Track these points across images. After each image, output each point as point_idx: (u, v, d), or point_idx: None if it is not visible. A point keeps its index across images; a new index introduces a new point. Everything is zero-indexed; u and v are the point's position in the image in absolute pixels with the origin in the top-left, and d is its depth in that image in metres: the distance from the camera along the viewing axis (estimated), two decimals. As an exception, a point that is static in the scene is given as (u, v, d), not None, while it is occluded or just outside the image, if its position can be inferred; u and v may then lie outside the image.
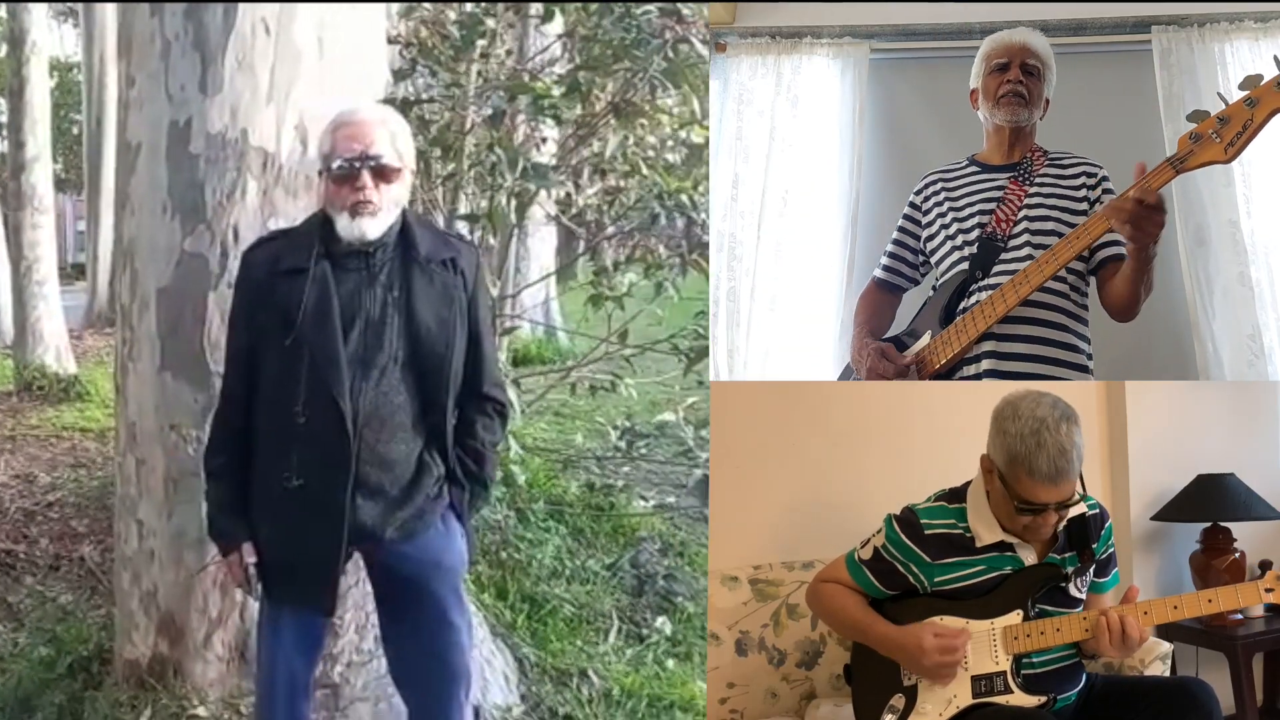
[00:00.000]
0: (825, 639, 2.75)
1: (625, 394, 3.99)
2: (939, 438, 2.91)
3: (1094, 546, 2.26)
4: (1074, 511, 2.24)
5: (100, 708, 2.58)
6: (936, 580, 2.26)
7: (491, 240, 3.68)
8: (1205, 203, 3.58)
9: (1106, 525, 2.33)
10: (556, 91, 3.18)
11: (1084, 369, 2.56)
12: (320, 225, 2.04)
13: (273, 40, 2.44)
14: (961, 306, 2.59)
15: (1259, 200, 3.53)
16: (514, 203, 3.25)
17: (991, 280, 2.57)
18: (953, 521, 2.26)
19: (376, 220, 1.99)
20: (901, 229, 2.89)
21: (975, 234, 2.64)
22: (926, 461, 2.77)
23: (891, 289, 2.92)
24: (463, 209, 3.71)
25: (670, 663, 3.10)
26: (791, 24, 3.85)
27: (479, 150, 3.47)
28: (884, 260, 2.93)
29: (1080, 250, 2.42)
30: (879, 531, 2.32)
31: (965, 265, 2.63)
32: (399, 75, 3.05)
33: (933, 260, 2.80)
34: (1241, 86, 2.20)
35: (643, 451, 4.04)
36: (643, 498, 4.31)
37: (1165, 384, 3.43)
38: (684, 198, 3.34)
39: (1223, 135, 2.16)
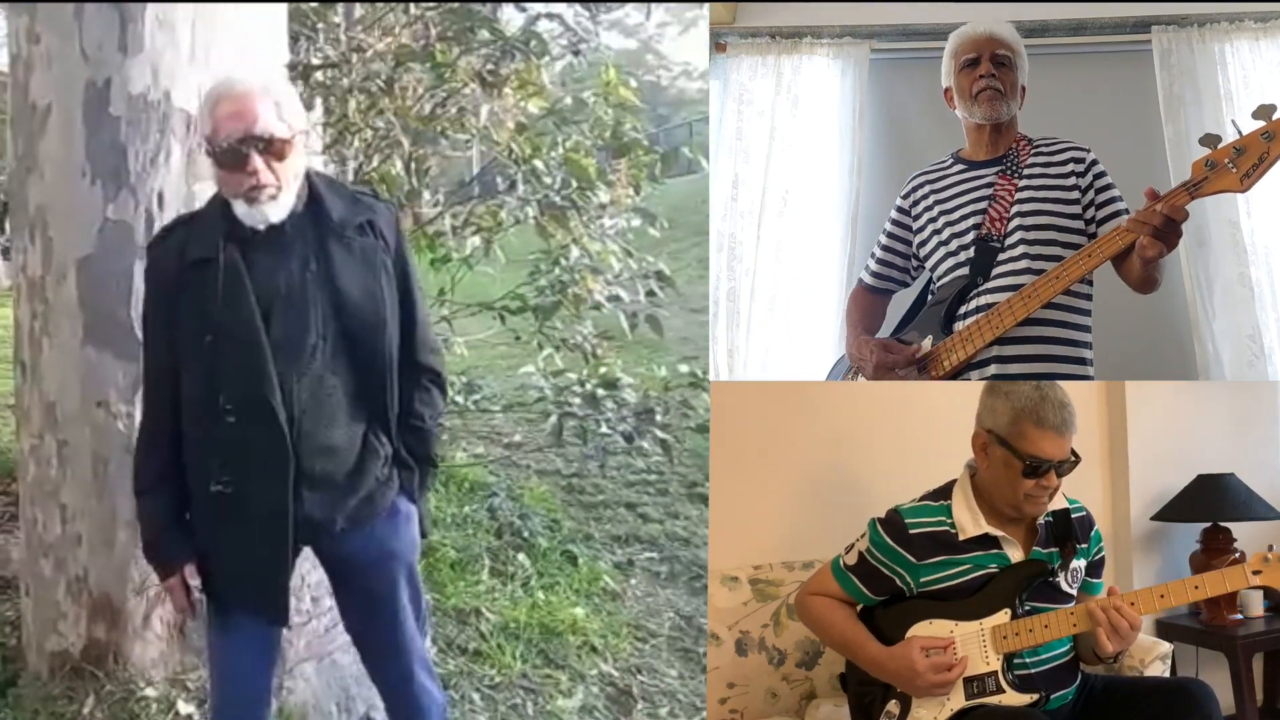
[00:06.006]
0: (825, 639, 2.76)
1: (459, 353, 4.17)
2: (939, 438, 2.89)
3: (1081, 546, 2.28)
4: (1058, 505, 2.26)
5: (26, 704, 2.43)
6: (922, 581, 2.24)
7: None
8: (1206, 203, 3.54)
9: (1094, 529, 2.35)
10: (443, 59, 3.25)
11: (1086, 362, 2.55)
12: (223, 205, 1.85)
13: None
14: (962, 311, 2.58)
15: (1259, 200, 3.52)
16: (414, 167, 3.29)
17: (992, 284, 2.55)
18: (938, 519, 2.25)
19: (278, 202, 1.81)
20: (890, 234, 2.86)
21: (971, 237, 2.62)
22: (926, 461, 2.75)
23: (882, 293, 2.91)
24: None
25: (540, 594, 3.38)
26: (791, 24, 3.85)
27: (368, 117, 3.44)
28: (873, 266, 2.90)
29: (1095, 267, 2.40)
30: (863, 536, 2.31)
31: (965, 270, 2.61)
32: (293, 39, 3.02)
33: (927, 264, 2.77)
34: (1256, 115, 2.20)
35: (472, 404, 4.35)
36: (465, 450, 4.70)
37: (1165, 384, 3.43)
38: (537, 163, 3.43)
39: (1239, 165, 2.20)
